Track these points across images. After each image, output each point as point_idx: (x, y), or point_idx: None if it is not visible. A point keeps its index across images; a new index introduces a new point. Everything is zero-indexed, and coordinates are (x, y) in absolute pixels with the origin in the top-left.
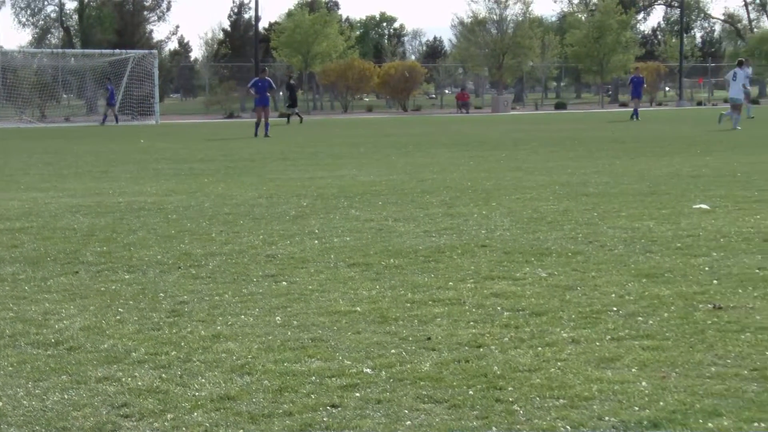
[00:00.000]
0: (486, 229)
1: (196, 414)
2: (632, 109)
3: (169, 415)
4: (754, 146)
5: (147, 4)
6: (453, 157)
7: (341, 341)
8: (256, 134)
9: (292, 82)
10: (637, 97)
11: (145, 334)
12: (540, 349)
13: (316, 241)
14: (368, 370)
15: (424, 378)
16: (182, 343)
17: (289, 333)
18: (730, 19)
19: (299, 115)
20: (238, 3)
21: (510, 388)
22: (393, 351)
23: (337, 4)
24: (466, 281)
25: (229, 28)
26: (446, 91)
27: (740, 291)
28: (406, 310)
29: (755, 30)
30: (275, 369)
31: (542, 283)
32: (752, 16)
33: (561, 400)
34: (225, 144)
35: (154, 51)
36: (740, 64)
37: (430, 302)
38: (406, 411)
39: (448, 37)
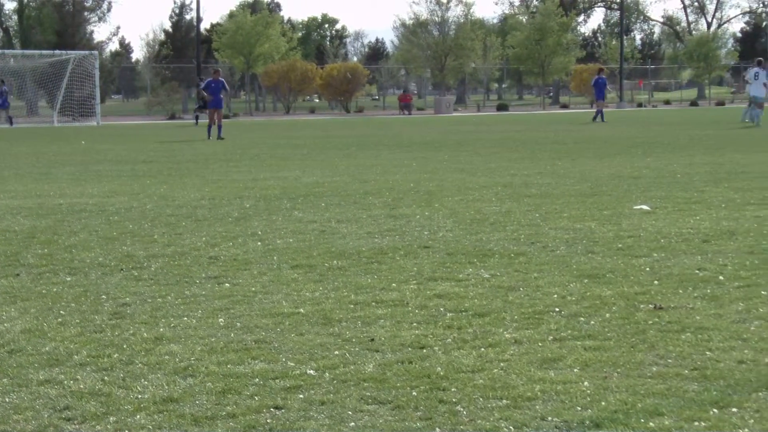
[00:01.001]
0: (429, 230)
1: (138, 416)
2: (596, 111)
3: (111, 418)
4: (693, 148)
5: (87, 4)
6: (396, 159)
7: (284, 343)
8: (208, 137)
9: (200, 84)
10: (600, 98)
11: (87, 336)
12: (483, 349)
13: (259, 243)
14: (312, 372)
15: (367, 379)
16: (125, 346)
17: (233, 335)
18: (669, 21)
19: (197, 118)
20: (179, 4)
21: (453, 389)
22: (336, 352)
23: (278, 6)
24: (409, 282)
25: (170, 29)
26: (391, 91)
27: (680, 291)
28: (350, 311)
29: (694, 32)
30: (218, 371)
31: (485, 284)
32: (691, 18)
33: (504, 401)
34: (167, 145)
35: (95, 52)
36: (760, 64)
37: (373, 303)
38: (350, 412)
39: (390, 38)
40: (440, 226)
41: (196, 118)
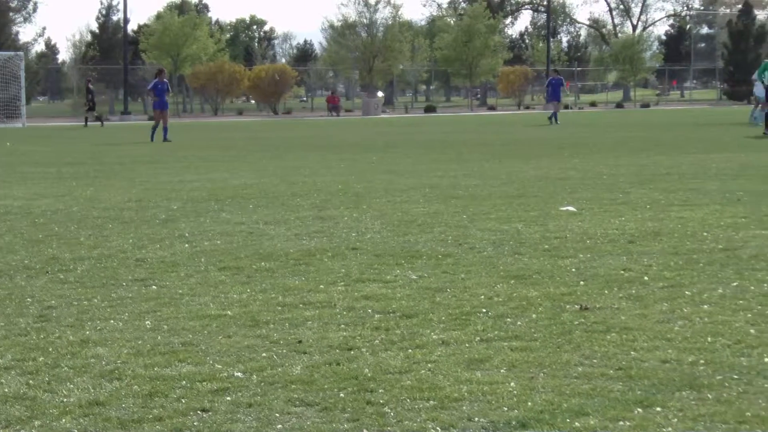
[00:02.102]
0: (357, 231)
1: (64, 420)
2: (551, 112)
3: (36, 422)
4: (619, 149)
5: (12, 5)
6: (324, 160)
7: (212, 345)
8: (152, 138)
9: (90, 86)
10: (555, 99)
11: (12, 339)
12: (410, 351)
13: (187, 245)
14: (239, 374)
15: (295, 381)
16: (50, 349)
17: (159, 337)
18: (596, 24)
19: (100, 119)
20: (106, 5)
21: (381, 390)
22: (264, 354)
23: (206, 7)
24: (336, 284)
25: (97, 30)
26: (320, 93)
27: (606, 292)
28: (277, 313)
29: (619, 35)
30: (145, 374)
31: (412, 285)
32: (616, 21)
33: (431, 402)
34: (94, 147)
35: (20, 53)
36: None
37: (301, 305)
38: (278, 414)
39: (318, 40)
40: (368, 227)
41: (86, 120)
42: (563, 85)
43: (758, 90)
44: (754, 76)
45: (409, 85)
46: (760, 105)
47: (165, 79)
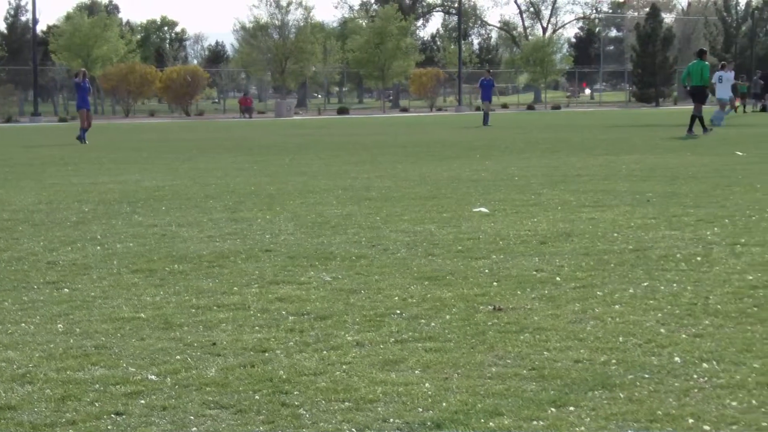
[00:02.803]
0: (270, 233)
1: None
2: (483, 112)
3: None
4: (530, 151)
5: None
6: (237, 162)
7: (125, 348)
8: (83, 140)
9: None
10: (487, 100)
11: None
12: (325, 352)
13: (99, 247)
14: (153, 377)
15: (209, 384)
16: None
17: (72, 341)
18: (506, 26)
19: None
20: (14, 5)
21: (296, 392)
22: (178, 357)
23: (117, 8)
24: (250, 286)
25: (5, 31)
26: (232, 95)
27: (519, 292)
28: (191, 315)
29: (530, 37)
30: (57, 377)
31: (327, 287)
32: (527, 23)
33: (346, 403)
34: (2, 149)
35: None
36: (723, 67)
37: (214, 307)
38: (192, 417)
39: (230, 41)
40: (282, 229)
41: None
42: (494, 86)
43: (721, 92)
44: (714, 79)
45: (322, 86)
46: (720, 106)
47: (86, 79)
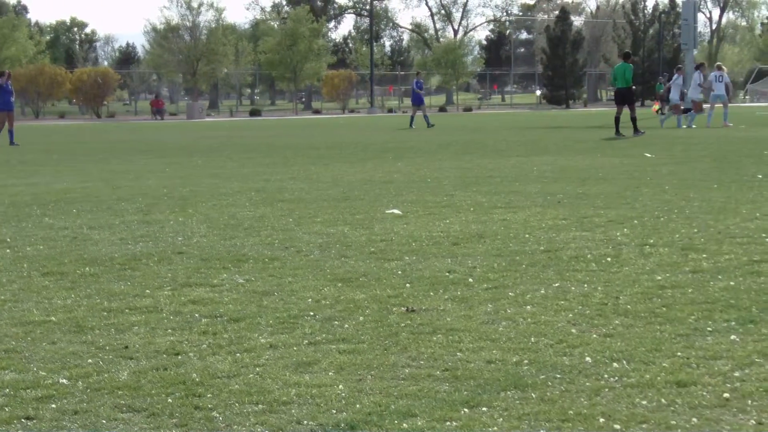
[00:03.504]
0: (183, 236)
1: None
2: (423, 115)
3: None
4: (443, 153)
5: None
6: (149, 164)
7: (36, 352)
8: (12, 143)
9: None
10: (421, 102)
11: None
12: (238, 355)
13: (8, 250)
14: (64, 381)
15: (121, 387)
16: None
17: None
18: (418, 28)
19: None
20: None
21: (209, 395)
22: (90, 360)
23: (25, 8)
24: (163, 288)
25: None
26: (143, 96)
27: (432, 294)
28: (103, 318)
29: (441, 39)
30: None
31: (240, 289)
32: (438, 26)
33: (260, 405)
34: None
35: None
36: (699, 67)
37: (127, 310)
38: (104, 421)
39: (141, 43)
40: (194, 231)
41: None
42: (422, 88)
43: (692, 93)
44: (669, 83)
45: (234, 88)
46: (668, 108)
47: (10, 81)
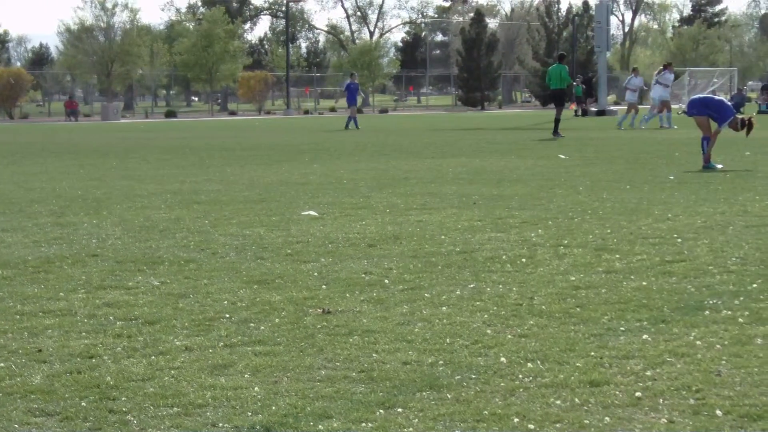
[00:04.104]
0: (97, 238)
1: None
2: (348, 117)
3: None
4: (359, 154)
5: None
6: (63, 166)
7: None
8: None
9: None
10: (353, 104)
11: None
12: (153, 357)
13: None
14: None
15: (35, 391)
16: None
17: None
18: (334, 30)
19: None
20: None
21: (123, 398)
22: (2, 364)
23: None
24: (77, 291)
25: None
26: (57, 97)
27: (348, 295)
28: (16, 322)
29: (357, 41)
30: None
31: (155, 291)
32: (354, 27)
33: (175, 408)
34: None
35: None
36: (666, 67)
37: (40, 314)
38: (17, 426)
39: (54, 44)
40: (109, 233)
41: None
42: (359, 90)
43: (655, 92)
44: (626, 83)
45: (149, 90)
46: (651, 108)
47: None
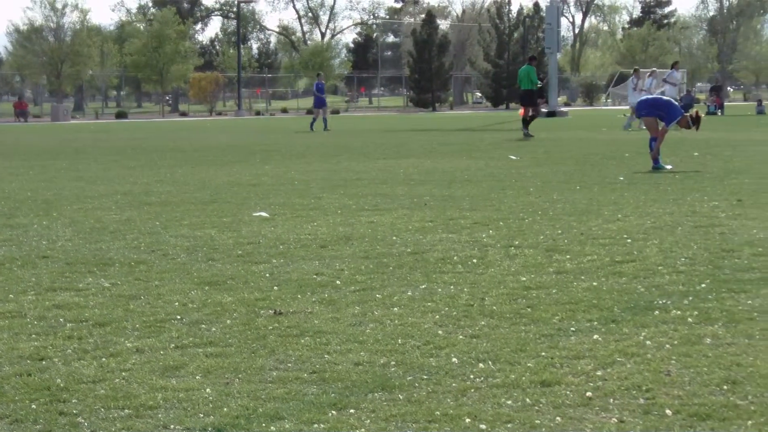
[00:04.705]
0: (47, 239)
1: None
2: (313, 117)
3: None
4: (310, 155)
5: None
6: (11, 167)
7: None
8: None
9: None
10: (323, 105)
11: None
12: (104, 359)
13: None
14: None
15: None
16: None
17: None
18: (285, 31)
19: None
20: None
21: (74, 401)
22: None
23: None
24: (27, 293)
25: None
26: (6, 98)
27: (299, 296)
28: None
29: (309, 42)
30: None
31: (105, 293)
32: (306, 29)
33: (126, 410)
34: None
35: None
36: (673, 66)
37: None
38: None
39: (3, 44)
40: (59, 235)
41: None
42: (323, 90)
43: (632, 97)
44: (666, 77)
45: (99, 90)
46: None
47: None
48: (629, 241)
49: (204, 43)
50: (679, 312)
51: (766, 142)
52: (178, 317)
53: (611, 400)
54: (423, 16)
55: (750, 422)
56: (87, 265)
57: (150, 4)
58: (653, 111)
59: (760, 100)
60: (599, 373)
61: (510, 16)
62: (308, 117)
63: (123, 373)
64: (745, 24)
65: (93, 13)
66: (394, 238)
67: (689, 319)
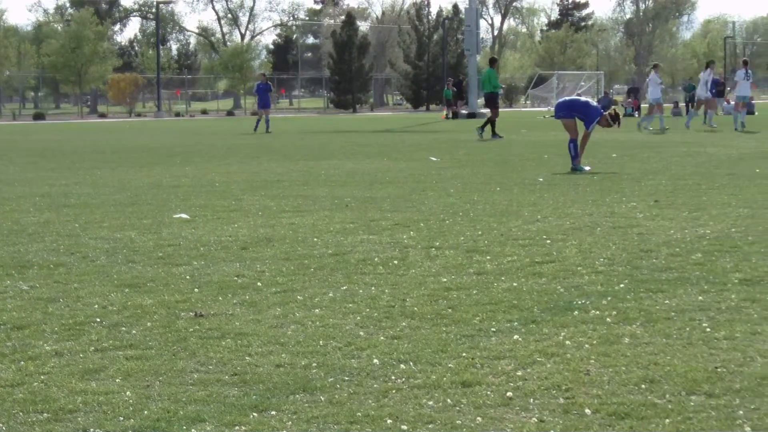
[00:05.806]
0: None
1: None
2: (258, 118)
3: None
4: (231, 157)
5: None
6: None
7: None
8: None
9: None
10: (267, 106)
11: None
12: (22, 363)
13: None
14: None
15: None
16: None
17: None
18: (205, 32)
19: None
20: None
21: None
22: None
23: None
24: None
25: None
26: None
27: (220, 298)
28: None
29: (228, 43)
30: None
31: (24, 296)
32: (225, 30)
33: (45, 414)
34: None
35: None
36: (709, 65)
37: None
38: None
39: None
40: None
41: None
42: (271, 90)
43: (653, 94)
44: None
45: (17, 91)
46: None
47: None
48: (549, 241)
49: (123, 44)
50: (598, 312)
51: (682, 144)
52: (98, 320)
53: (531, 399)
54: (343, 17)
55: (667, 420)
56: (5, 268)
57: (68, 5)
58: (571, 113)
59: (677, 102)
60: (519, 373)
61: (429, 17)
62: (228, 119)
63: (42, 377)
64: (661, 27)
65: (9, 13)
66: (315, 239)
67: (608, 319)
